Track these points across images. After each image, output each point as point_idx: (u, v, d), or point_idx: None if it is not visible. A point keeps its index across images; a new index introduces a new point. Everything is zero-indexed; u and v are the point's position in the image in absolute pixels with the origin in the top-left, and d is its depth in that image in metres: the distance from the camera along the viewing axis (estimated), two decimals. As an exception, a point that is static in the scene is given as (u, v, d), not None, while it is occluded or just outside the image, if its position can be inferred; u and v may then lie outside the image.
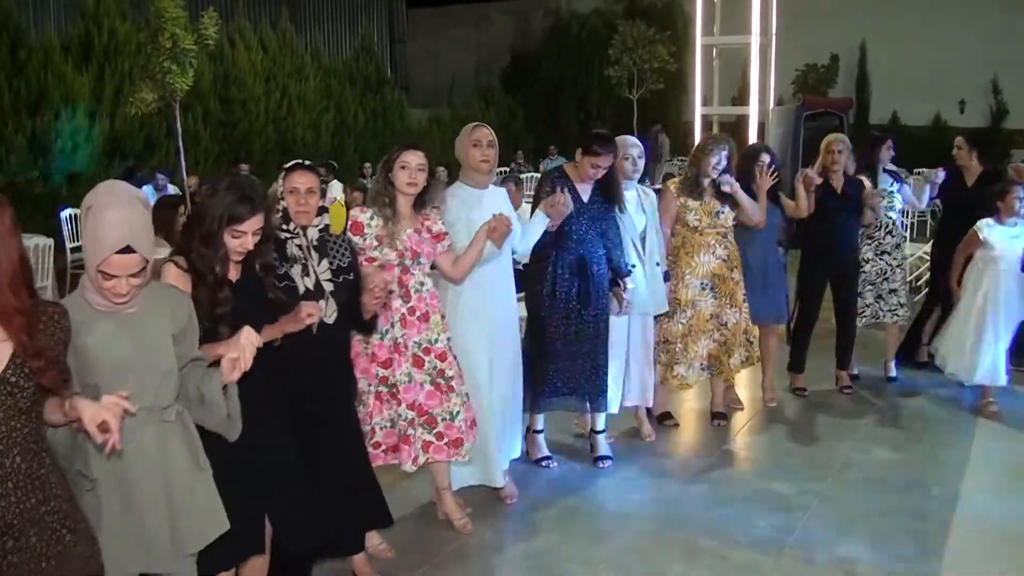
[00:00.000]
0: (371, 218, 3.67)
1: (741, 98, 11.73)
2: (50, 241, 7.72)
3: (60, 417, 2.15)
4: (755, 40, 7.79)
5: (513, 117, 20.36)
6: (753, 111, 7.80)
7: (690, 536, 3.99)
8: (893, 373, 6.21)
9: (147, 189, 10.02)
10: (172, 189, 10.50)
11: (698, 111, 8.26)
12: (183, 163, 11.86)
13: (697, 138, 7.81)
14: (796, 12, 12.51)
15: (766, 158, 5.36)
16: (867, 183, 5.81)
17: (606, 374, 4.69)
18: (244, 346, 2.40)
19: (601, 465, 4.77)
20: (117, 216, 2.28)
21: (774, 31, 8.43)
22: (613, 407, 4.99)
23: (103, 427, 2.06)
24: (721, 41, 8.38)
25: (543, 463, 4.74)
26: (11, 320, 2.08)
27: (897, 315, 6.05)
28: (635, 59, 16.84)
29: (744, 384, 5.93)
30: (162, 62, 11.09)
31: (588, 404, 4.71)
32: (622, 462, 4.82)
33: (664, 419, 5.39)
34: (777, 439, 5.22)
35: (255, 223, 2.76)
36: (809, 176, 5.53)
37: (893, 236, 6.02)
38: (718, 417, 5.43)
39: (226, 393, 2.47)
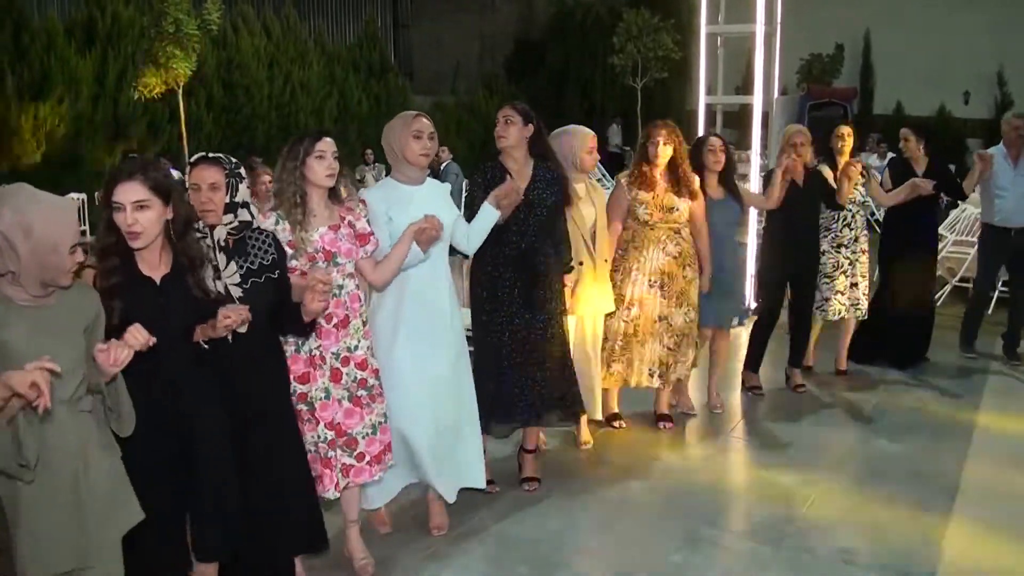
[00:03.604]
0: (276, 223, 3.24)
1: (745, 87, 11.72)
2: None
3: None
4: (760, 29, 7.73)
5: (516, 105, 20.31)
6: (757, 100, 7.74)
7: (690, 525, 4.01)
8: (844, 367, 6.15)
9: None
10: (176, 175, 10.47)
11: (702, 100, 8.20)
12: (186, 149, 11.87)
13: (701, 128, 7.76)
14: (801, 0, 12.46)
15: (716, 141, 5.13)
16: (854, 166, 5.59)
17: (569, 382, 4.27)
18: (126, 339, 2.37)
19: (527, 488, 4.30)
20: (67, 203, 2.45)
21: (779, 19, 8.38)
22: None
23: (34, 388, 2.06)
24: (726, 29, 8.32)
25: (488, 487, 4.15)
26: None
27: (859, 309, 5.94)
28: (639, 47, 16.81)
29: (698, 387, 5.58)
30: (165, 47, 11.11)
31: (539, 421, 4.21)
32: (622, 453, 4.83)
33: (612, 419, 5.14)
34: (777, 430, 5.23)
35: (129, 192, 2.59)
36: (790, 162, 5.24)
37: (851, 229, 5.80)
38: (663, 419, 5.17)
39: (112, 387, 2.45)
